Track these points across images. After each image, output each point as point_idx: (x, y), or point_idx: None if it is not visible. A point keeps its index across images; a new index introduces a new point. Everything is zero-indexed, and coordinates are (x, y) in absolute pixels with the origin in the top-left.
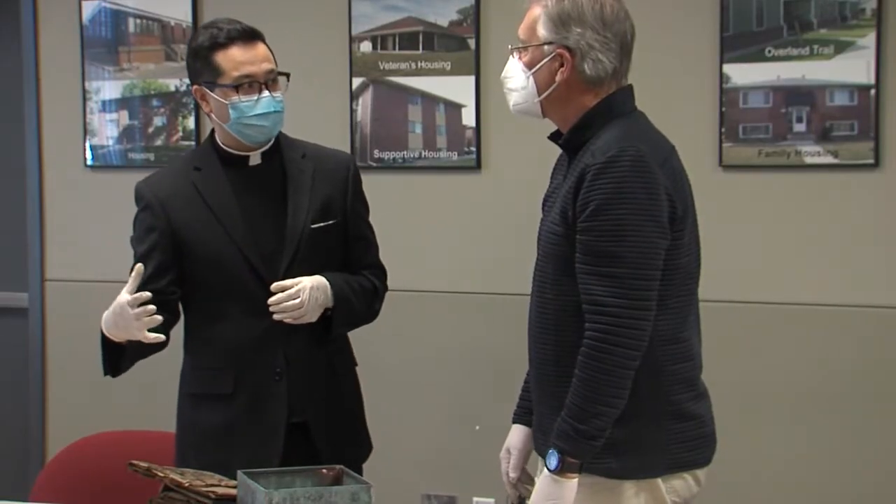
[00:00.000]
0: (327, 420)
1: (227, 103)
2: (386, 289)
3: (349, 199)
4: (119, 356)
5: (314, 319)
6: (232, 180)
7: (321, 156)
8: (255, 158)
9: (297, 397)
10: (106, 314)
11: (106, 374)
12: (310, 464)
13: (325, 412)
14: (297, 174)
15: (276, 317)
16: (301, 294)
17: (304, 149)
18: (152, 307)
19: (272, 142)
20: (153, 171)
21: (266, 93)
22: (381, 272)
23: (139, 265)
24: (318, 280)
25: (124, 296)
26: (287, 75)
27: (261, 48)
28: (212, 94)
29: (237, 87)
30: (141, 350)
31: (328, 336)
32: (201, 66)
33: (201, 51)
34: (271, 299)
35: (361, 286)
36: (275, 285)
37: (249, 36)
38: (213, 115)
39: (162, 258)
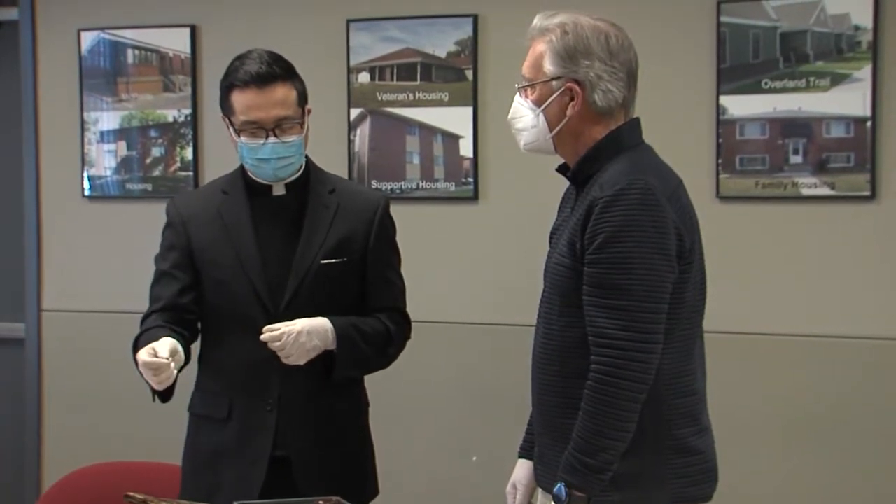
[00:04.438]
0: (318, 459)
1: (237, 141)
2: (405, 336)
3: (371, 240)
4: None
5: (301, 362)
6: (254, 208)
7: (351, 193)
8: (278, 189)
9: (285, 431)
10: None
11: (154, 401)
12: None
13: (315, 450)
14: (319, 209)
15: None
16: (284, 338)
17: (336, 184)
18: (163, 363)
19: (299, 174)
20: (152, 202)
21: (272, 139)
22: (401, 317)
23: (163, 360)
24: (315, 324)
25: (143, 356)
26: (302, 122)
27: (277, 92)
28: (229, 128)
29: (243, 130)
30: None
31: (330, 378)
32: (223, 99)
33: (222, 86)
34: (261, 338)
35: (373, 329)
36: (265, 329)
37: (265, 80)
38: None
39: (182, 276)
